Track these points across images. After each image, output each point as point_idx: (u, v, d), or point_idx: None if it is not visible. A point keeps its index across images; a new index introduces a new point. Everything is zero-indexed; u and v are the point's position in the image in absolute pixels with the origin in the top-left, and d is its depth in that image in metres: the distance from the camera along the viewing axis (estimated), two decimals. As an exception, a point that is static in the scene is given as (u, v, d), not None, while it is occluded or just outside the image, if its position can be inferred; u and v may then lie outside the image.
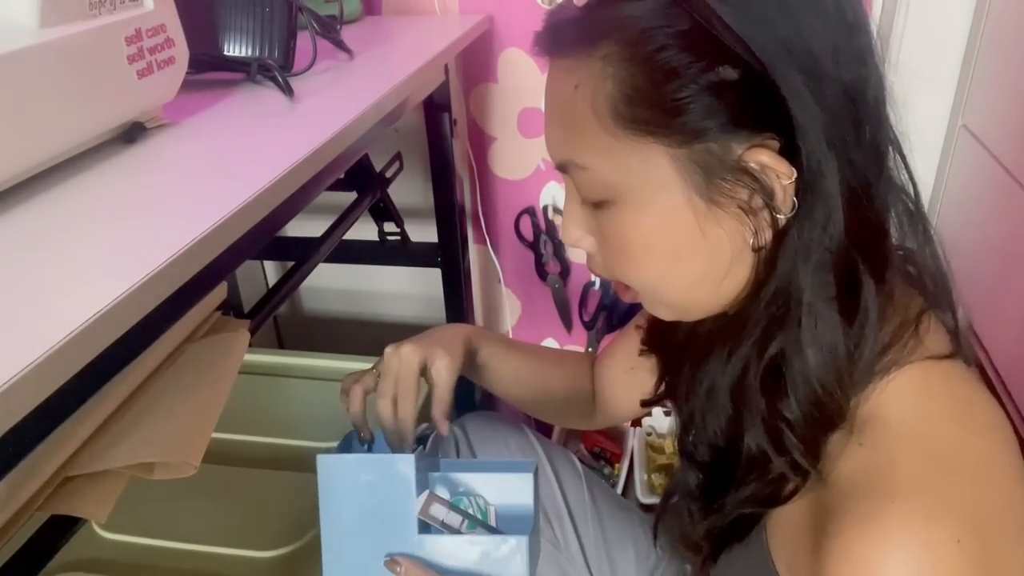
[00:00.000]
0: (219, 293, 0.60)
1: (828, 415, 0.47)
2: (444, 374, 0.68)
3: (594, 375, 0.85)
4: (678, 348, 0.66)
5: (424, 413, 0.68)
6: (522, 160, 1.37)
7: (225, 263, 0.54)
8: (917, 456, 0.44)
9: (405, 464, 0.60)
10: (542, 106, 1.30)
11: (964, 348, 0.50)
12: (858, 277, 0.46)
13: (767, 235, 0.47)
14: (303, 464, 1.11)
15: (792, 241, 0.46)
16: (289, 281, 0.86)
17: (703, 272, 0.49)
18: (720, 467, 0.56)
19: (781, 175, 0.44)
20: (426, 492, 0.60)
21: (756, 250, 0.47)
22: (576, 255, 1.43)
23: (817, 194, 0.45)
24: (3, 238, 0.49)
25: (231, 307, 0.64)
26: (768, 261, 0.48)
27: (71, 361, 0.39)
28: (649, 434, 1.48)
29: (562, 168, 0.51)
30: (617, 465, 1.44)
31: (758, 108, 0.44)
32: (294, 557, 0.96)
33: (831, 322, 0.46)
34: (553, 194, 1.38)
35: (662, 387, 0.70)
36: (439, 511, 0.60)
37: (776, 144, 0.45)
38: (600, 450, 1.45)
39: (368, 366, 0.73)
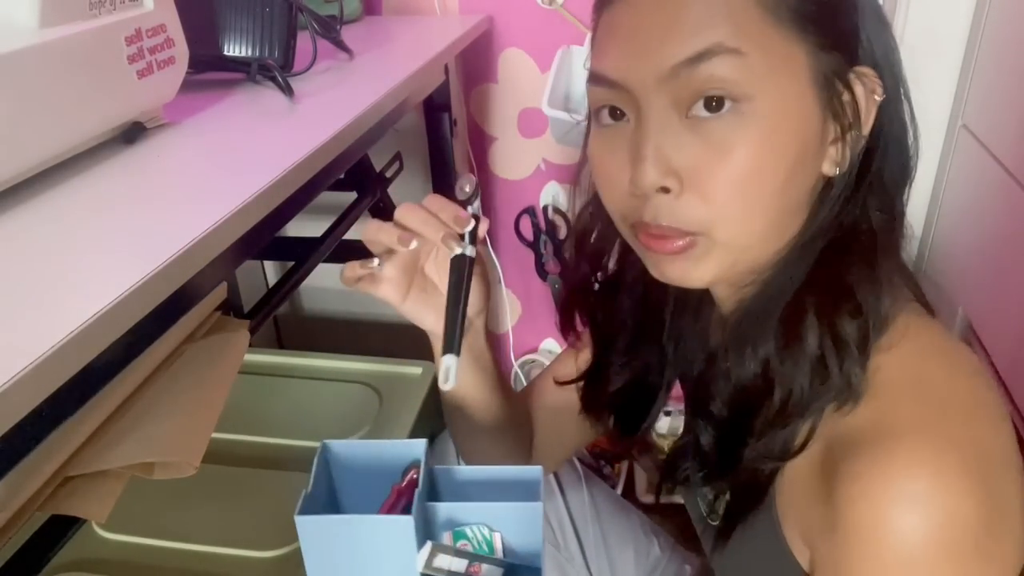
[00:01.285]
0: (219, 293, 0.60)
1: (880, 330, 0.49)
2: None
3: (540, 408, 0.76)
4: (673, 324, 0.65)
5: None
6: (522, 160, 1.37)
7: (225, 263, 0.54)
8: (912, 397, 0.47)
9: (403, 526, 0.53)
10: (542, 106, 1.29)
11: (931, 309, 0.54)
12: (900, 208, 0.51)
13: (847, 162, 0.49)
14: (303, 464, 1.10)
15: (875, 163, 0.49)
16: (289, 281, 0.86)
17: (798, 197, 0.49)
18: (735, 423, 0.56)
19: (876, 91, 0.48)
20: (428, 545, 0.53)
21: (841, 175, 0.49)
22: (576, 255, 1.43)
23: (895, 122, 0.49)
24: (3, 238, 0.49)
25: (231, 307, 0.63)
26: (827, 194, 0.50)
27: (71, 361, 0.39)
28: (649, 434, 1.48)
29: (696, 60, 0.44)
30: (617, 465, 1.44)
31: (853, 32, 0.48)
32: (294, 557, 0.96)
33: (895, 243, 0.51)
34: (553, 194, 1.38)
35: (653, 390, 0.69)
36: (444, 561, 0.54)
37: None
38: (600, 450, 1.45)
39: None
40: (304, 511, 0.51)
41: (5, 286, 0.44)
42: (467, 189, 0.57)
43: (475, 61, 1.29)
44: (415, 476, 0.55)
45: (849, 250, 0.50)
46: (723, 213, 0.47)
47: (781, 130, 0.46)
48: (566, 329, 0.66)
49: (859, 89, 0.48)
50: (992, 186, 0.96)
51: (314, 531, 0.52)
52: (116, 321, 0.41)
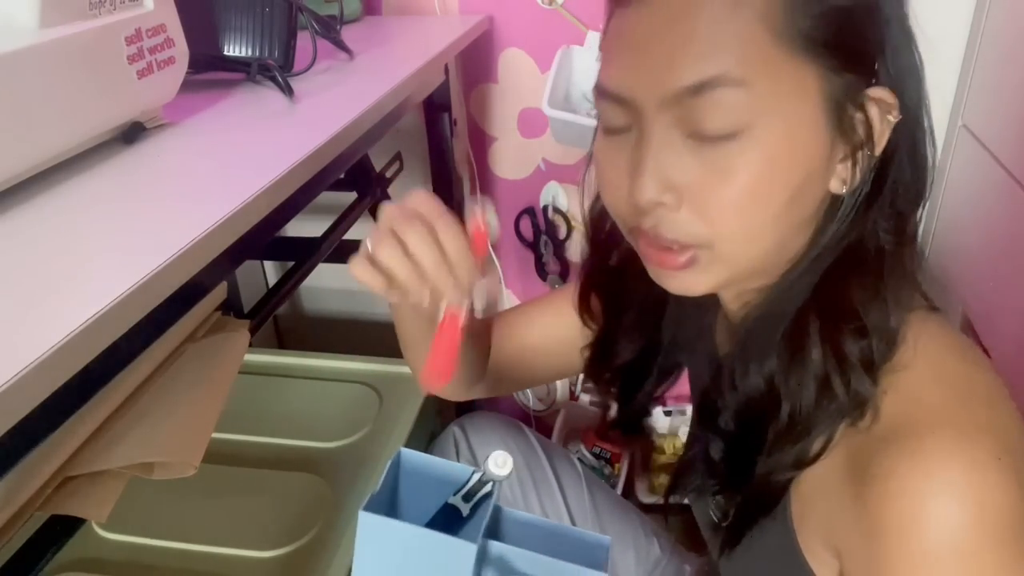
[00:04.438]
0: (219, 293, 0.60)
1: (893, 347, 0.49)
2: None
3: (506, 337, 0.78)
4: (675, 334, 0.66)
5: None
6: (522, 160, 1.37)
7: (225, 263, 0.54)
8: (935, 390, 0.47)
9: (464, 552, 0.50)
10: (542, 106, 1.29)
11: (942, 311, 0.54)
12: (912, 227, 0.50)
13: (857, 180, 0.48)
14: (303, 464, 1.11)
15: (887, 182, 0.48)
16: (289, 281, 0.86)
17: (803, 215, 0.48)
18: (744, 436, 0.56)
19: (892, 112, 0.46)
20: None
21: (850, 194, 0.48)
22: (576, 255, 1.43)
23: (916, 139, 0.48)
24: (3, 238, 0.49)
25: (231, 307, 0.63)
26: (839, 213, 0.49)
27: (71, 361, 0.39)
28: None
29: (696, 90, 0.44)
30: (617, 465, 1.44)
31: (870, 51, 0.46)
32: (294, 557, 0.96)
33: (902, 262, 0.49)
34: (553, 194, 1.38)
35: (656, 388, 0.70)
36: None
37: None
38: (600, 450, 1.45)
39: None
40: (369, 508, 0.49)
41: (5, 286, 0.44)
42: (492, 222, 0.50)
43: (475, 61, 1.29)
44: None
45: (856, 268, 0.49)
46: (722, 232, 0.47)
47: (785, 156, 0.45)
48: (583, 309, 0.68)
49: (873, 110, 0.46)
50: (992, 186, 0.96)
51: (374, 531, 0.50)
52: (116, 321, 0.41)
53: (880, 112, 0.46)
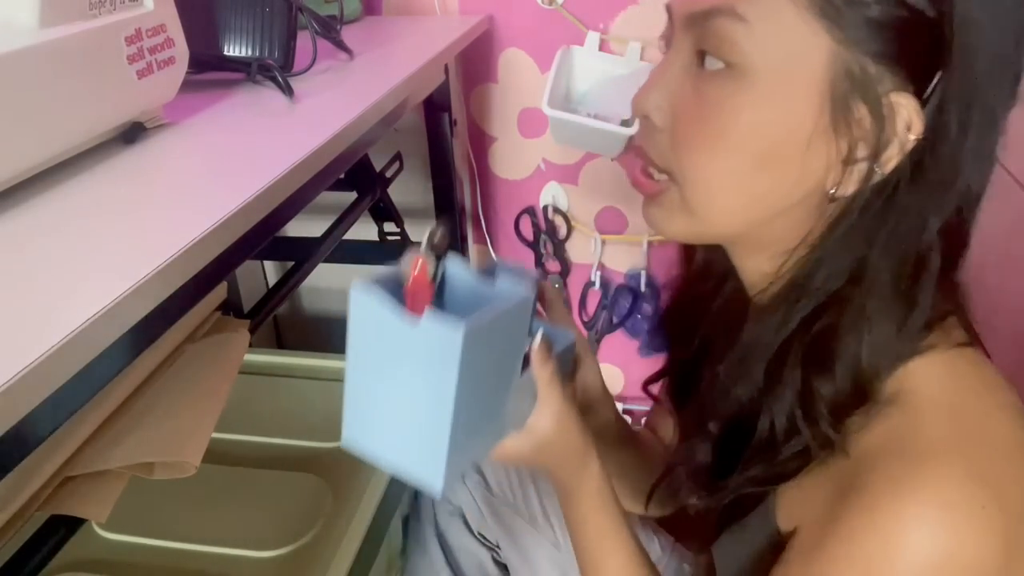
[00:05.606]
0: (219, 293, 0.60)
1: (864, 392, 0.47)
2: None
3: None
4: (707, 321, 0.65)
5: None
6: (522, 160, 1.37)
7: (225, 263, 0.54)
8: (942, 422, 0.44)
9: (524, 301, 0.49)
10: (542, 106, 1.29)
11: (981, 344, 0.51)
12: (926, 262, 0.46)
13: (850, 188, 0.45)
14: (303, 464, 1.11)
15: (891, 208, 0.45)
16: (289, 281, 0.86)
17: (774, 192, 0.47)
18: (728, 444, 0.55)
19: (913, 129, 0.43)
20: (540, 329, 0.52)
21: (831, 200, 0.46)
22: (576, 255, 1.43)
23: (939, 169, 0.44)
24: (3, 238, 0.49)
25: (231, 307, 0.64)
26: (834, 224, 0.47)
27: (71, 361, 0.39)
28: (649, 434, 1.48)
29: (704, 16, 0.45)
30: (617, 465, 1.44)
31: (923, 60, 0.42)
32: (294, 557, 0.96)
33: (893, 305, 0.46)
34: (553, 194, 1.38)
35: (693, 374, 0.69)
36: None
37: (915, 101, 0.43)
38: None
39: None
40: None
41: (5, 286, 0.44)
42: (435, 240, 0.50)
43: (475, 61, 1.29)
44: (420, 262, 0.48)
45: (852, 307, 0.47)
46: (684, 164, 0.48)
47: (763, 109, 0.44)
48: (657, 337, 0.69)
49: (890, 117, 0.43)
50: (992, 186, 0.96)
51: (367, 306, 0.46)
52: (116, 321, 0.41)
53: (898, 123, 0.43)
